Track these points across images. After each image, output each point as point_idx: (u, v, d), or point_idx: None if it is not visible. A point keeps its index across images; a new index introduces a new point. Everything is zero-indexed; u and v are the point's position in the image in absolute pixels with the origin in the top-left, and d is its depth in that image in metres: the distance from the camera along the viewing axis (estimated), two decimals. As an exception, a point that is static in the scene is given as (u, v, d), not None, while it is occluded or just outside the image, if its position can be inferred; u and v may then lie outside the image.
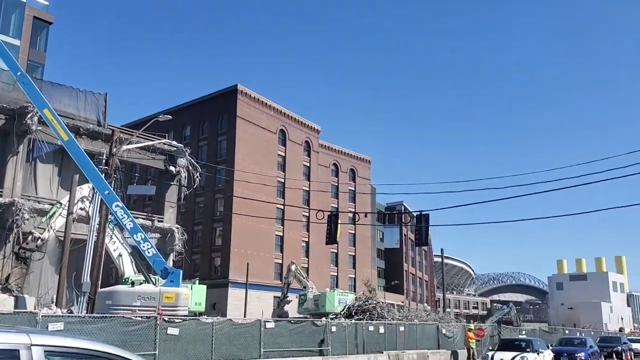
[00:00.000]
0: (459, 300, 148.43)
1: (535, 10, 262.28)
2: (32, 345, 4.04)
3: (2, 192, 31.26)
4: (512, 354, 25.12)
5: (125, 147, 28.07)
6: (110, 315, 18.12)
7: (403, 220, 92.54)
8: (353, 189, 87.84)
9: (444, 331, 33.21)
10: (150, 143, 33.82)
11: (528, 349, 25.94)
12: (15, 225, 30.00)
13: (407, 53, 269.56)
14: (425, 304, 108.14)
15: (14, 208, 30.28)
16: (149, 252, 22.32)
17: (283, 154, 74.25)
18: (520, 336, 34.86)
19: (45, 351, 4.08)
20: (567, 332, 52.07)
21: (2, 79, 32.84)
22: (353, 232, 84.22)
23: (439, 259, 78.02)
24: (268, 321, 22.18)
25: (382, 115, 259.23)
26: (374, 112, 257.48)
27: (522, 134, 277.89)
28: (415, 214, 26.63)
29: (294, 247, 71.98)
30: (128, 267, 29.01)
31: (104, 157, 27.44)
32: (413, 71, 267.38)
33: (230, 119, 68.58)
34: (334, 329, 24.23)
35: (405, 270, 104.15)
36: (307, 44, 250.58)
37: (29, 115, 31.25)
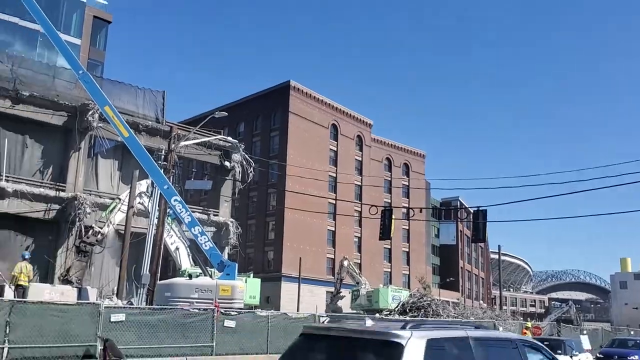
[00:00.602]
0: (516, 298, 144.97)
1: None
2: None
3: (65, 187, 32.32)
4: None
5: (183, 143, 28.61)
6: (170, 307, 18.45)
7: (459, 216, 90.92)
8: (407, 183, 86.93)
9: (500, 329, 32.43)
10: (206, 139, 34.31)
11: (559, 351, 22.33)
12: (77, 219, 31.00)
13: (459, 48, 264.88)
14: (481, 302, 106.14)
15: (76, 202, 31.28)
16: (205, 246, 22.61)
17: (335, 149, 74.16)
18: (554, 336, 32.72)
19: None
20: (632, 332, 49.97)
21: (65, 77, 33.86)
22: (407, 227, 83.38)
23: (496, 256, 76.26)
24: (322, 316, 22.14)
25: (437, 109, 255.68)
26: (428, 106, 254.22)
27: (583, 128, 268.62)
28: (471, 209, 25.91)
29: (346, 242, 71.85)
30: (185, 260, 29.51)
31: (163, 152, 28.05)
32: (467, 66, 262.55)
33: (283, 115, 69.00)
34: (388, 325, 23.90)
35: (461, 267, 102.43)
36: (360, 40, 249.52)
37: (90, 113, 32.17)
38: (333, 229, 71.01)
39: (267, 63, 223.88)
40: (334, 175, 72.25)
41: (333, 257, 68.27)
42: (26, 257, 20.92)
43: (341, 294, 46.84)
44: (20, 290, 19.36)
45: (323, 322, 6.54)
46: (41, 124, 32.24)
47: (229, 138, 41.25)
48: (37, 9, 23.75)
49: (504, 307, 70.04)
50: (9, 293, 20.55)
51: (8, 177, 30.61)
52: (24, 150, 32.20)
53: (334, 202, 69.33)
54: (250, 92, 77.52)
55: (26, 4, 23.80)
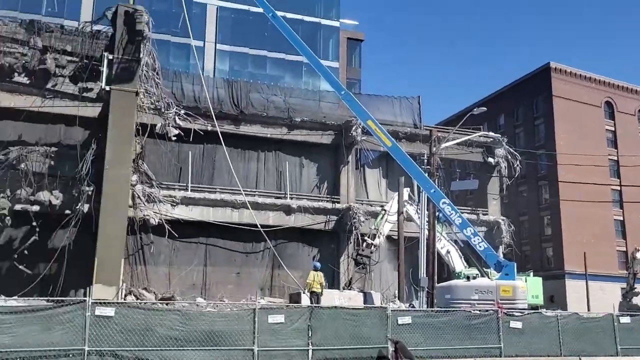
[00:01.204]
0: None
1: None
2: None
3: (339, 199, 35.03)
4: None
5: (443, 145, 28.67)
6: (452, 309, 18.54)
7: None
8: None
9: None
10: (466, 138, 33.84)
11: None
12: (353, 228, 33.28)
13: None
14: None
15: (350, 212, 33.64)
16: (480, 246, 22.22)
17: (612, 129, 66.51)
18: None
19: None
20: None
21: (328, 99, 36.91)
22: None
23: None
24: (622, 316, 19.96)
25: None
26: None
27: None
28: None
29: (639, 231, 63.67)
30: (458, 262, 29.48)
31: (425, 157, 28.52)
32: None
33: (546, 100, 64.54)
34: None
35: None
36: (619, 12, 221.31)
37: (353, 128, 34.44)
38: (621, 218, 63.55)
39: (518, 49, 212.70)
40: (615, 158, 64.81)
41: (625, 249, 61.06)
42: (317, 267, 23.06)
43: (636, 290, 41.67)
44: (315, 297, 21.34)
45: None
46: (313, 144, 35.60)
47: (490, 133, 40.20)
48: (301, 43, 26.28)
49: None
50: (304, 299, 22.88)
51: (292, 195, 34.35)
52: (301, 170, 35.93)
53: (618, 188, 62.19)
54: (504, 83, 74.50)
55: (291, 41, 26.52)
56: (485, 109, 29.85)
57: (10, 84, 26.20)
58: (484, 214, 38.55)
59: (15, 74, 25.59)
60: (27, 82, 26.04)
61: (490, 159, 38.99)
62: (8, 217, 24.54)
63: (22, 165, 25.37)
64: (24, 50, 25.50)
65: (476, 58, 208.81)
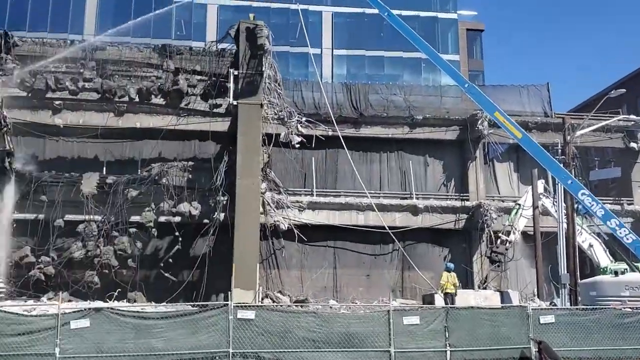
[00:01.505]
0: None
1: None
2: None
3: (468, 196, 33.96)
4: None
5: (578, 132, 26.99)
6: (600, 306, 17.38)
7: None
8: None
9: None
10: (604, 123, 31.50)
11: None
12: (485, 226, 32.07)
13: None
14: None
15: (481, 210, 32.45)
16: (627, 239, 20.47)
17: None
18: None
19: None
20: None
21: (450, 94, 36.04)
22: None
23: None
24: None
25: None
26: None
27: None
28: None
29: None
30: (602, 257, 27.50)
31: (558, 146, 26.95)
32: None
33: (696, 73, 58.30)
34: None
35: None
36: None
37: (479, 122, 33.24)
38: None
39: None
40: None
41: None
42: (450, 268, 22.56)
43: None
44: (449, 297, 20.91)
45: None
46: (436, 141, 34.83)
47: (632, 116, 37.03)
48: (418, 39, 25.83)
49: None
50: (438, 300, 22.46)
51: (417, 195, 33.83)
52: (426, 168, 35.25)
53: None
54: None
55: (408, 37, 26.15)
56: (623, 90, 27.61)
57: (148, 106, 28.43)
58: (628, 204, 35.66)
59: (152, 96, 27.58)
60: (163, 102, 27.98)
61: (633, 144, 36.07)
62: (154, 229, 26.57)
63: (164, 180, 27.22)
64: (158, 73, 27.46)
65: (611, 34, 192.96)
